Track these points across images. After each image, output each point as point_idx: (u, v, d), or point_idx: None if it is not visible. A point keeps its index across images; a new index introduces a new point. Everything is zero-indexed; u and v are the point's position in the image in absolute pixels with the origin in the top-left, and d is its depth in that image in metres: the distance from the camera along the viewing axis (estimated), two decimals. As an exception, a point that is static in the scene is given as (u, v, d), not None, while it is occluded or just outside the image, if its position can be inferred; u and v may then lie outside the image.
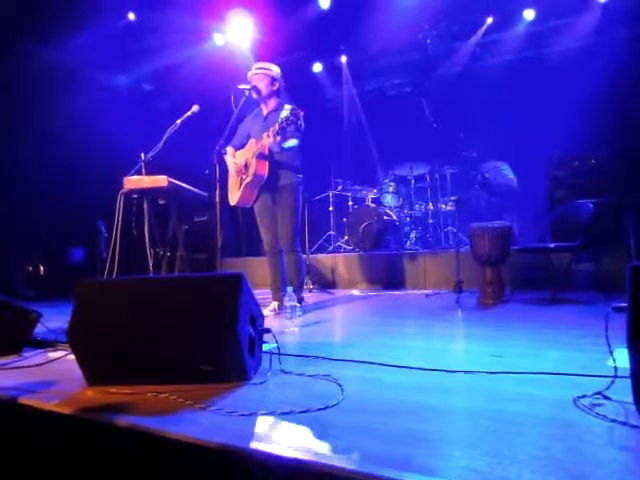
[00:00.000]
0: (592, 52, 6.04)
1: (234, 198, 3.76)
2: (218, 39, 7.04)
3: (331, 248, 6.48)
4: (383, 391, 1.68)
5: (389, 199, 6.55)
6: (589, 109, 5.57)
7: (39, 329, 2.62)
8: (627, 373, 1.38)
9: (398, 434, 1.28)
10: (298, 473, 1.14)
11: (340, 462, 1.11)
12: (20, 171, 5.53)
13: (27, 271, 5.66)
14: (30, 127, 5.69)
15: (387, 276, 5.44)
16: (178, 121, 3.73)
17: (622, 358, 1.42)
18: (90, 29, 6.01)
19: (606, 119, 5.52)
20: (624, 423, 1.28)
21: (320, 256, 6.05)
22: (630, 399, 1.37)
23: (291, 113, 3.36)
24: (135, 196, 3.81)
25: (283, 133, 3.43)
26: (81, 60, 5.95)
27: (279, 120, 3.42)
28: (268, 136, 3.42)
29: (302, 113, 3.34)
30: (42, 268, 5.77)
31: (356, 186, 6.93)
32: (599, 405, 1.40)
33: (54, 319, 2.79)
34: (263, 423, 1.40)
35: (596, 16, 6.19)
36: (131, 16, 6.57)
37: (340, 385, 1.70)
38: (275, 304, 3.73)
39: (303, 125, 3.49)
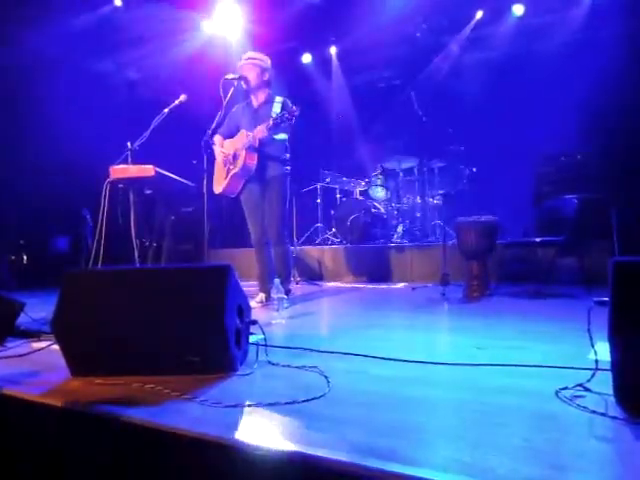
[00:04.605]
0: (581, 48, 6.08)
1: (219, 187, 3.74)
2: (206, 28, 6.95)
3: (318, 240, 6.49)
4: (369, 383, 1.69)
5: (377, 192, 6.55)
6: (577, 105, 5.63)
7: (22, 319, 2.59)
8: (608, 366, 1.41)
9: (383, 425, 1.29)
10: (283, 463, 1.14)
11: (325, 453, 1.11)
12: (3, 159, 5.43)
13: (10, 260, 5.57)
14: (13, 115, 5.57)
15: (374, 269, 5.46)
16: (165, 110, 3.69)
17: (603, 351, 1.45)
18: (76, 16, 5.90)
19: (593, 115, 5.58)
20: (604, 414, 1.30)
21: (307, 248, 6.05)
22: (610, 391, 1.40)
23: (287, 111, 3.33)
24: (121, 185, 3.76)
25: (276, 131, 3.46)
26: (66, 47, 5.83)
27: (273, 115, 3.40)
28: (263, 132, 3.42)
29: (297, 112, 3.31)
30: (25, 257, 5.68)
31: (344, 178, 6.92)
32: (580, 397, 1.43)
33: (38, 309, 2.76)
34: (249, 414, 1.40)
35: (585, 12, 6.24)
36: (117, 2, 6.46)
37: (326, 377, 1.71)
38: (262, 296, 3.73)
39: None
